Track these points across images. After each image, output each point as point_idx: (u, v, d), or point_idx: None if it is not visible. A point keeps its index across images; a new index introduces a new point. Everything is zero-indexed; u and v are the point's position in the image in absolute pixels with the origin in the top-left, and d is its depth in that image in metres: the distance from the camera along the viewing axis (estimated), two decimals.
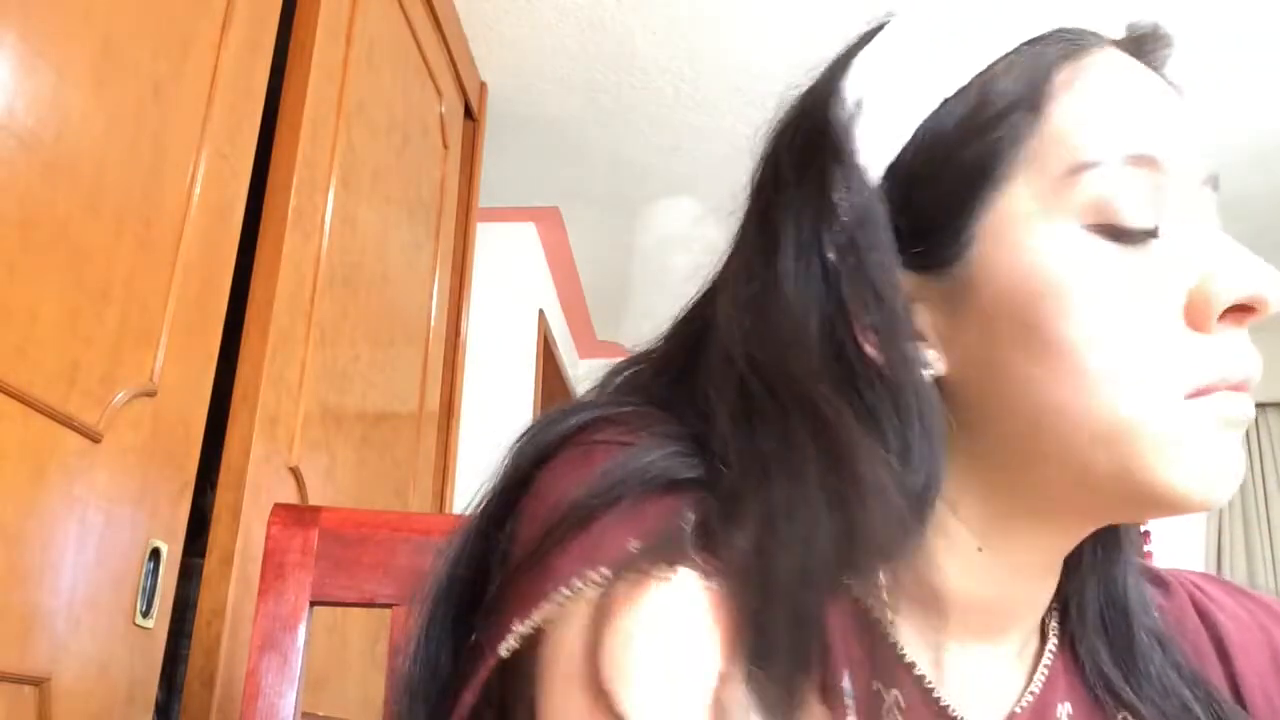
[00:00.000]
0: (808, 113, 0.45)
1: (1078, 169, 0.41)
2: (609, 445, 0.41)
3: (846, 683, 0.41)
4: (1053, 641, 0.49)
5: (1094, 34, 0.45)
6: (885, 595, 0.43)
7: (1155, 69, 0.45)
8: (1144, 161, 0.41)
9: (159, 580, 0.99)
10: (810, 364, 0.42)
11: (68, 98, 0.88)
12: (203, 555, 1.09)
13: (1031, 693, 0.47)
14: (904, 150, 0.43)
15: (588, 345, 3.53)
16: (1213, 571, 3.26)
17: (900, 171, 0.43)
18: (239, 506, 1.10)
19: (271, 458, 1.19)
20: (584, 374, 3.52)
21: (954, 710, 0.44)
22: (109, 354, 0.92)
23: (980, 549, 0.45)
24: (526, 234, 2.74)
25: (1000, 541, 0.44)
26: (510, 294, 2.72)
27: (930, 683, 0.44)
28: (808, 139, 0.45)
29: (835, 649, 0.41)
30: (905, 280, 0.43)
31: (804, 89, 0.47)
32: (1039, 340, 0.41)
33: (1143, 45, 0.46)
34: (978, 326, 0.42)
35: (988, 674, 0.46)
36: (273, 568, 0.66)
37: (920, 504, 0.41)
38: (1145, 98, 0.43)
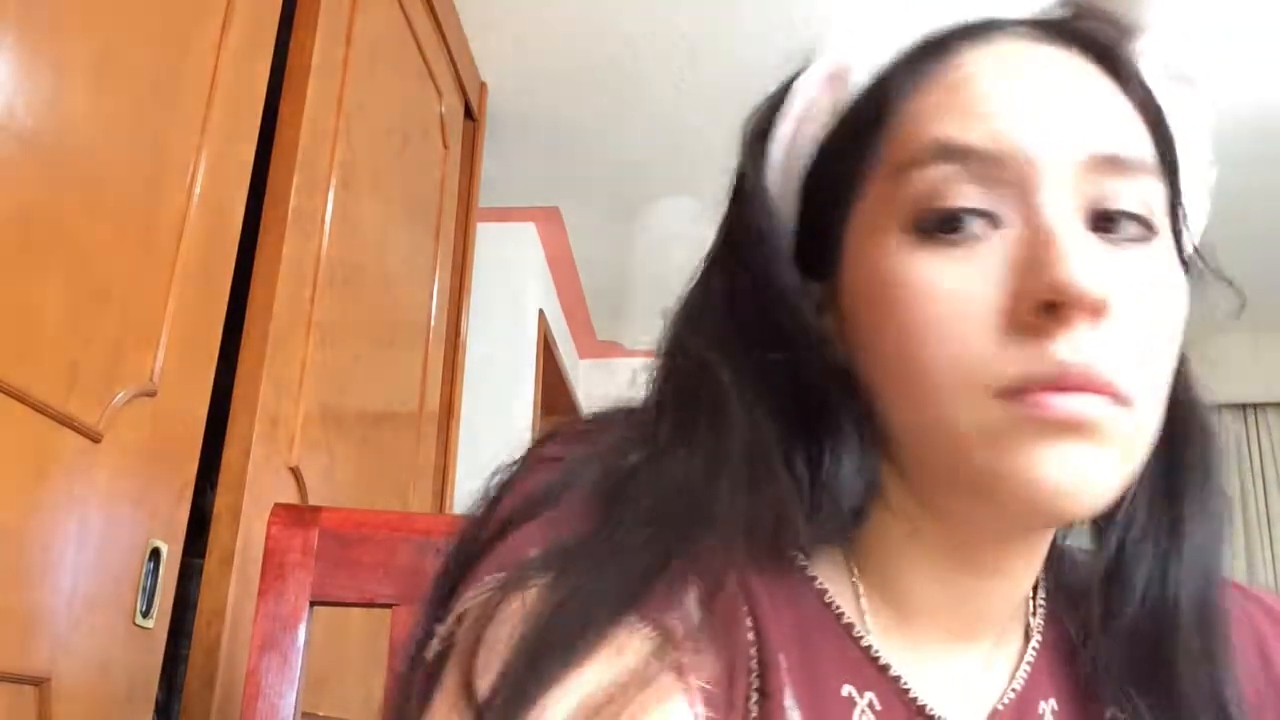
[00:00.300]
0: (737, 161, 0.49)
1: (902, 168, 0.41)
2: (548, 461, 0.43)
3: (790, 699, 0.42)
4: (1036, 638, 0.49)
5: (994, 24, 0.44)
6: (862, 598, 0.45)
7: (1087, 47, 0.44)
8: (967, 154, 0.40)
9: (159, 580, 0.99)
10: (722, 358, 0.44)
11: (68, 98, 0.88)
12: (203, 555, 1.09)
13: (1014, 689, 0.47)
14: (807, 176, 0.46)
15: (588, 345, 3.52)
16: None
17: (804, 197, 0.46)
18: (239, 506, 1.10)
19: (271, 458, 1.19)
20: (584, 374, 3.52)
21: (932, 710, 0.44)
22: (109, 354, 0.92)
23: (912, 535, 0.45)
24: (526, 234, 2.74)
25: (925, 525, 0.45)
26: (510, 294, 2.72)
27: (905, 683, 0.44)
28: (735, 171, 0.48)
29: (804, 652, 0.43)
30: (816, 289, 0.46)
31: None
32: (876, 346, 0.42)
33: (1062, 26, 0.45)
34: (852, 329, 0.44)
35: (966, 672, 0.46)
36: (273, 568, 0.66)
37: (831, 498, 0.42)
38: (992, 89, 0.41)
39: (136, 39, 0.98)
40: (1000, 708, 0.46)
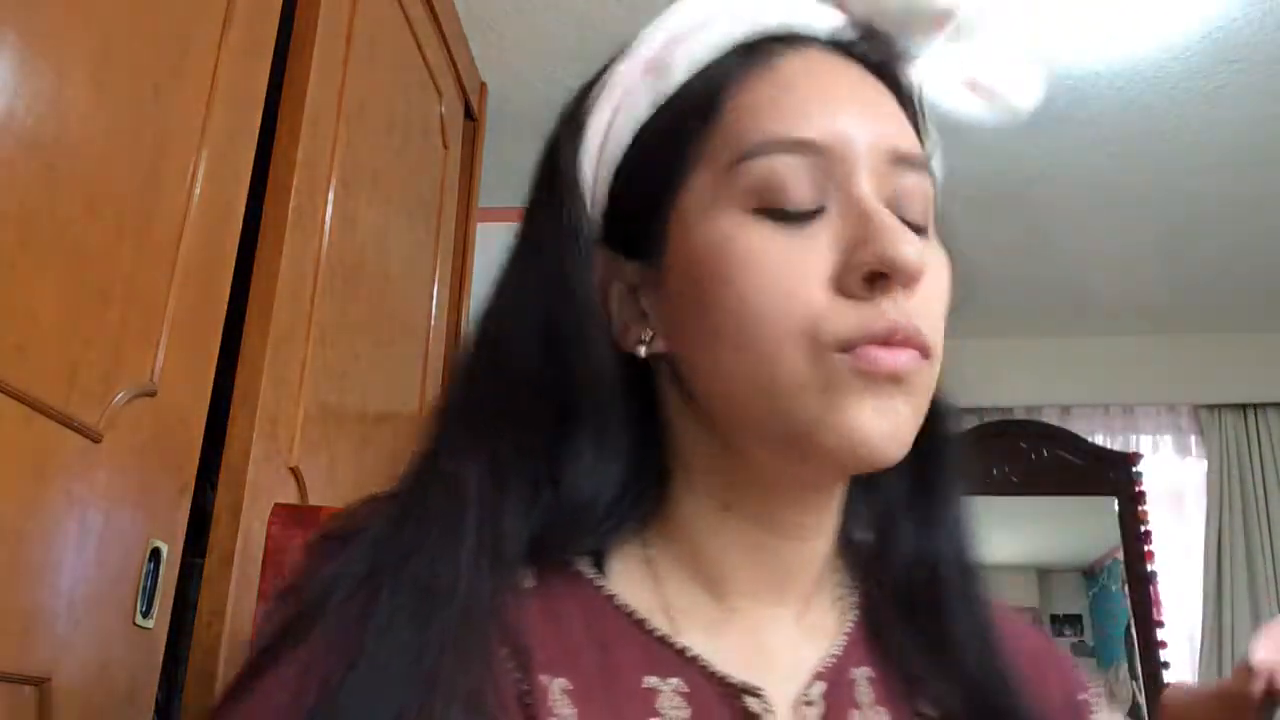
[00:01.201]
0: (548, 141, 0.52)
1: (740, 158, 0.46)
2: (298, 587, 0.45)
3: (565, 709, 0.43)
4: (854, 611, 0.53)
5: (799, 38, 0.50)
6: (662, 583, 0.48)
7: (875, 64, 0.50)
8: (799, 146, 0.45)
9: (159, 580, 0.99)
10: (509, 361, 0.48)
11: (68, 98, 0.88)
12: (203, 555, 1.09)
13: (833, 655, 0.50)
14: (623, 159, 0.50)
15: None
16: (1213, 571, 3.26)
17: (620, 178, 0.50)
18: (239, 506, 1.10)
19: (271, 458, 1.19)
20: None
21: (742, 682, 0.46)
22: (109, 354, 0.92)
23: (724, 508, 0.49)
24: None
25: (740, 501, 0.49)
26: None
27: (707, 661, 0.46)
28: (540, 161, 0.52)
29: (601, 656, 0.45)
30: (630, 271, 0.49)
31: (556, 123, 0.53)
32: (711, 315, 0.46)
33: (858, 45, 0.51)
34: (675, 307, 0.48)
35: (779, 640, 0.50)
36: (273, 568, 0.66)
37: (601, 500, 0.46)
38: (815, 90, 0.47)
39: (136, 39, 0.98)
40: (821, 671, 0.49)
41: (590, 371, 0.47)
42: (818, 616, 0.52)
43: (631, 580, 0.49)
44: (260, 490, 1.14)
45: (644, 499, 0.50)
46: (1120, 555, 3.41)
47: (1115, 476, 3.43)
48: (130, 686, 0.95)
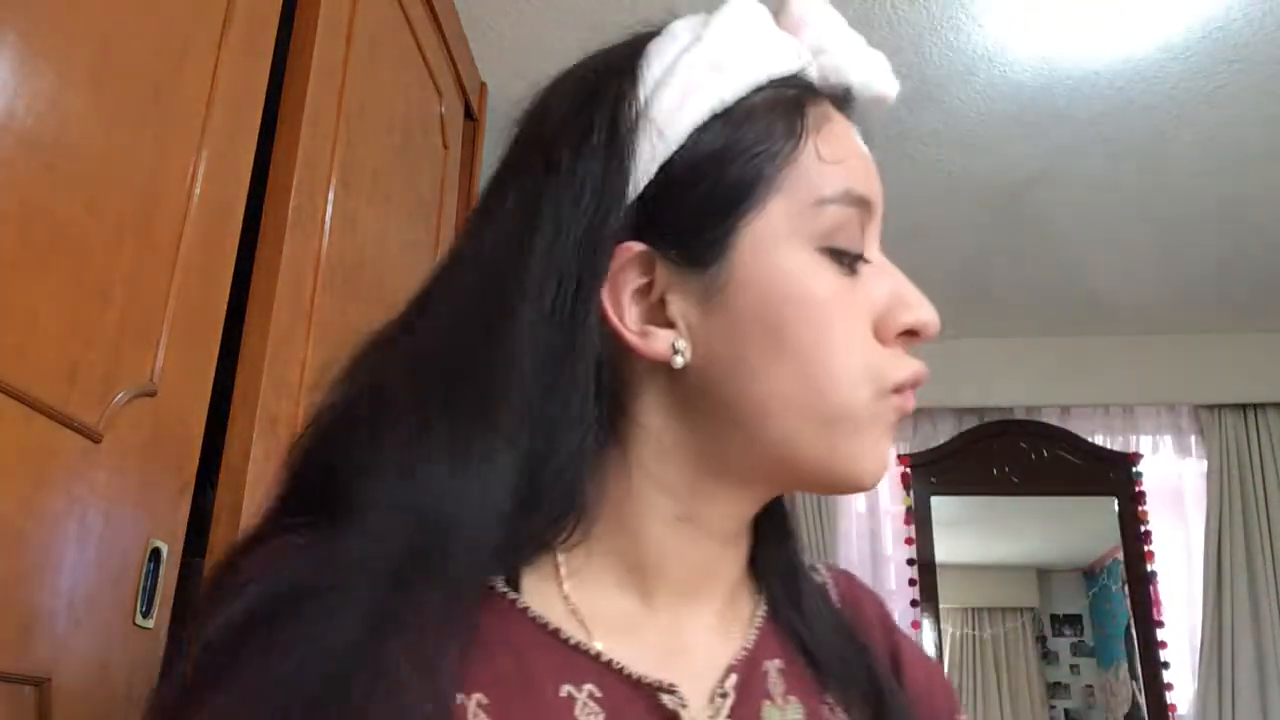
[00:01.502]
0: (593, 105, 0.50)
1: (822, 201, 0.49)
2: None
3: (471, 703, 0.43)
4: (764, 606, 0.56)
5: (815, 88, 0.53)
6: (567, 593, 0.49)
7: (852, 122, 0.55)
8: (861, 202, 0.51)
9: (159, 580, 0.99)
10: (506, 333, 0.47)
11: (68, 98, 0.88)
12: (203, 555, 1.09)
13: (745, 648, 0.53)
14: (673, 157, 0.48)
15: None
16: (1213, 572, 3.26)
17: (669, 175, 0.48)
18: (239, 506, 1.10)
19: (271, 457, 1.19)
20: None
21: (657, 681, 0.47)
22: (109, 354, 0.92)
23: (681, 517, 0.51)
24: None
25: (699, 508, 0.51)
26: None
27: (620, 663, 0.47)
28: (585, 124, 0.49)
29: (519, 673, 0.45)
30: (668, 274, 0.49)
31: (581, 82, 0.52)
32: (779, 339, 0.48)
33: (844, 102, 0.55)
34: (728, 322, 0.48)
35: (699, 636, 0.52)
36: None
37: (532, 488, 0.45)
38: (858, 149, 0.53)
39: (136, 39, 0.98)
40: (734, 663, 0.51)
41: (572, 362, 0.46)
42: (736, 612, 0.55)
43: (546, 587, 0.49)
44: (260, 490, 1.14)
45: (573, 498, 0.49)
46: (1120, 555, 3.42)
47: (1115, 476, 3.43)
48: (130, 686, 0.95)
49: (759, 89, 0.50)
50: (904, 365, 0.51)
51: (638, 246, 0.48)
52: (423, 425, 0.44)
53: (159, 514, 1.00)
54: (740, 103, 0.49)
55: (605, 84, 0.50)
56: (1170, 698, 3.22)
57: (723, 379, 0.49)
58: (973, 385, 3.53)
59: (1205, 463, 3.40)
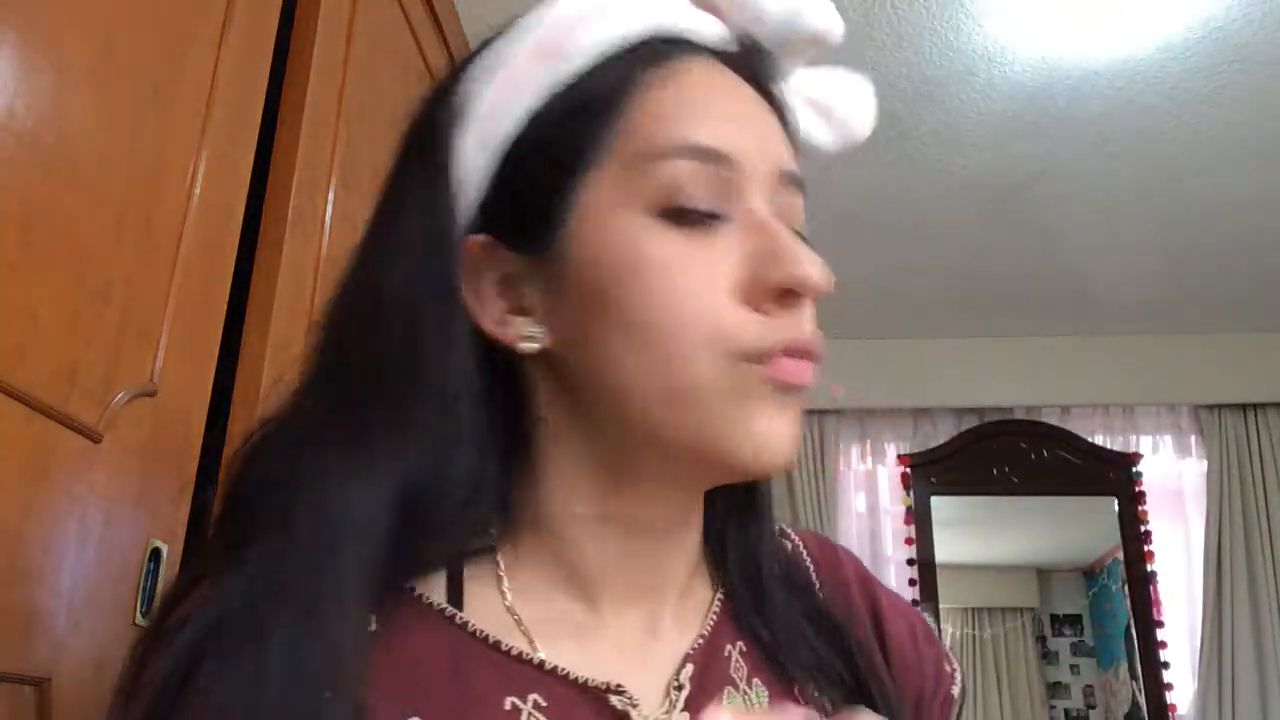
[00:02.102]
0: (415, 114, 0.52)
1: (648, 159, 0.46)
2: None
3: None
4: (721, 591, 0.55)
5: (691, 44, 0.50)
6: (510, 603, 0.48)
7: (754, 79, 0.51)
8: (708, 154, 0.46)
9: (159, 580, 0.99)
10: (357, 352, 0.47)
11: (68, 98, 0.88)
12: (203, 555, 1.09)
13: (702, 636, 0.51)
14: (513, 143, 0.48)
15: None
16: (1213, 572, 3.26)
17: (509, 163, 0.48)
18: None
19: None
20: None
21: (603, 683, 0.47)
22: (109, 354, 0.92)
23: (602, 519, 0.49)
24: None
25: (613, 507, 0.49)
26: None
27: (564, 670, 0.46)
28: (409, 137, 0.51)
29: (455, 688, 0.44)
30: (514, 261, 0.48)
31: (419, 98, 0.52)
32: (615, 315, 0.45)
33: (741, 58, 0.51)
34: (571, 303, 0.47)
35: (651, 634, 0.51)
36: None
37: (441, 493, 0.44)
38: (719, 101, 0.48)
39: (136, 39, 0.98)
40: (690, 652, 0.50)
41: (445, 363, 0.45)
42: (692, 604, 0.53)
43: (487, 598, 0.48)
44: None
45: (505, 505, 0.49)
46: (1120, 555, 3.42)
47: (1115, 476, 3.43)
48: None
49: (606, 60, 0.48)
50: (771, 329, 0.45)
51: (480, 239, 0.48)
52: (316, 448, 0.45)
53: (159, 514, 1.00)
54: (578, 80, 0.48)
55: (429, 93, 0.52)
56: (1170, 698, 3.22)
57: (580, 363, 0.47)
58: (973, 385, 3.53)
59: (1205, 463, 3.40)
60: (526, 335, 0.48)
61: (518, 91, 0.48)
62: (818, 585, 0.58)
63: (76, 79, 0.89)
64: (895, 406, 3.57)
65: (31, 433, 0.83)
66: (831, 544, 0.62)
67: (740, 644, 0.52)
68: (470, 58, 0.52)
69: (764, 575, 0.55)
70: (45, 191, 0.85)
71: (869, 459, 3.58)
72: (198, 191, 1.07)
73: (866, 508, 3.54)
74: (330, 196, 1.38)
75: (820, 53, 0.54)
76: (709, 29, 0.51)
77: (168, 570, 1.01)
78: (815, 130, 0.55)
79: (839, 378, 3.53)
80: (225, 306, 1.13)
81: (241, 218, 1.17)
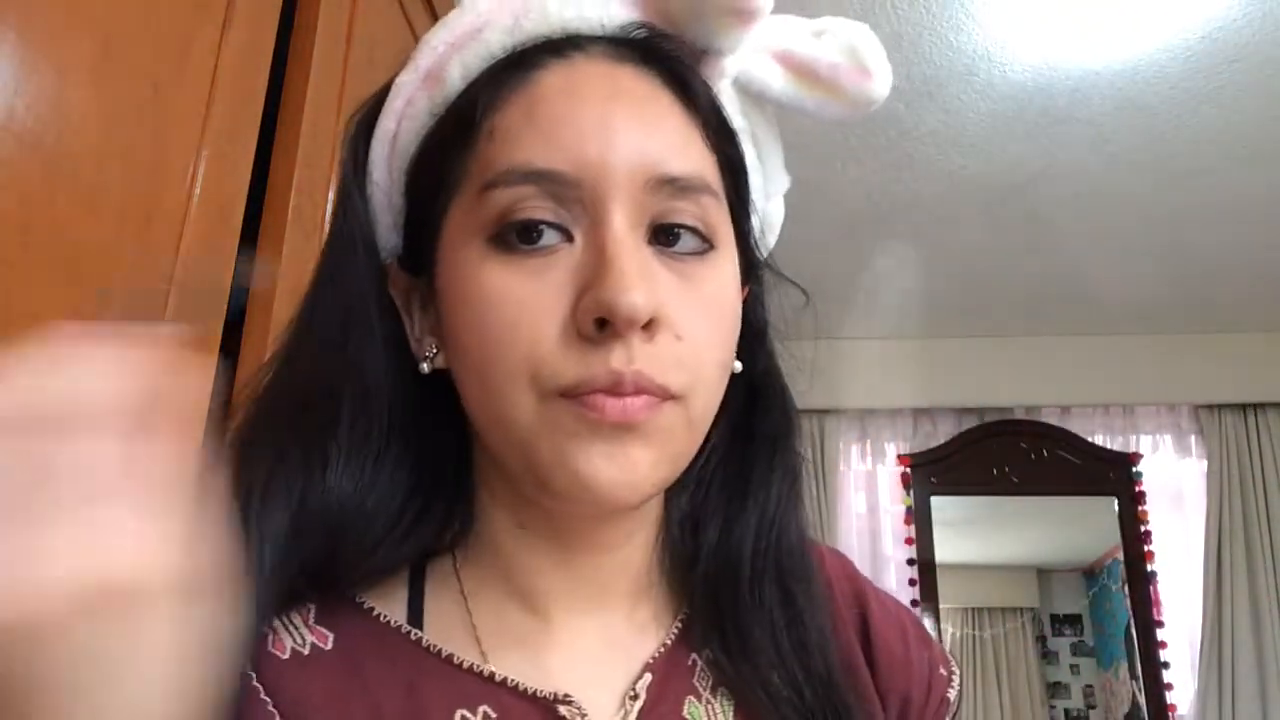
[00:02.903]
0: (342, 147, 0.52)
1: (485, 188, 0.44)
2: None
3: None
4: (685, 602, 0.53)
5: (582, 38, 0.47)
6: (470, 611, 0.48)
7: (664, 66, 0.47)
8: (540, 177, 0.43)
9: None
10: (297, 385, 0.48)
11: (68, 98, 0.88)
12: None
13: (664, 644, 0.51)
14: (408, 171, 0.49)
15: None
16: (1213, 572, 3.26)
17: (407, 191, 0.49)
18: None
19: None
20: None
21: (551, 693, 0.46)
22: None
23: (520, 526, 0.49)
24: None
25: (532, 519, 0.49)
26: None
27: (514, 681, 0.47)
28: (341, 167, 0.51)
29: (408, 702, 0.45)
30: (415, 285, 0.49)
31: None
32: (456, 344, 0.46)
33: (645, 44, 0.48)
34: (444, 330, 0.47)
35: (606, 644, 0.50)
36: None
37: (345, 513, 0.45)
38: (570, 113, 0.44)
39: (136, 39, 0.98)
40: (649, 661, 0.50)
41: (366, 383, 0.47)
42: (649, 614, 0.52)
43: (446, 611, 0.49)
44: None
45: (451, 519, 0.50)
46: (1120, 555, 3.42)
47: (1115, 476, 3.43)
48: None
49: (475, 81, 0.47)
50: (587, 364, 0.42)
51: (392, 264, 0.50)
52: (268, 469, 0.46)
53: None
54: (449, 105, 0.48)
55: (349, 125, 0.52)
56: (1170, 698, 3.22)
57: (459, 386, 0.47)
58: (973, 385, 3.53)
59: (1205, 463, 3.40)
60: (427, 355, 0.48)
61: (410, 118, 0.49)
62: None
63: (76, 79, 0.89)
64: (895, 406, 3.57)
65: None
66: (818, 547, 0.60)
67: (707, 652, 0.51)
68: (385, 86, 0.51)
69: (741, 577, 0.52)
70: (45, 191, 0.85)
71: (869, 459, 3.58)
72: (198, 191, 1.07)
73: (866, 508, 3.54)
74: (330, 196, 1.38)
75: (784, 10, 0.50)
76: (605, 16, 0.48)
77: None
78: (799, 95, 0.51)
79: (839, 377, 3.54)
80: (225, 306, 1.14)
81: (241, 218, 1.17)
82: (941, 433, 3.56)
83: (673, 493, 0.53)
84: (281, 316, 1.22)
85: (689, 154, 0.46)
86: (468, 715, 0.45)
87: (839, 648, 0.53)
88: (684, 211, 0.45)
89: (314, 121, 1.33)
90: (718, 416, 0.48)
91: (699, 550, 0.53)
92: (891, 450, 3.58)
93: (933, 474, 3.50)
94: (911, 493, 3.48)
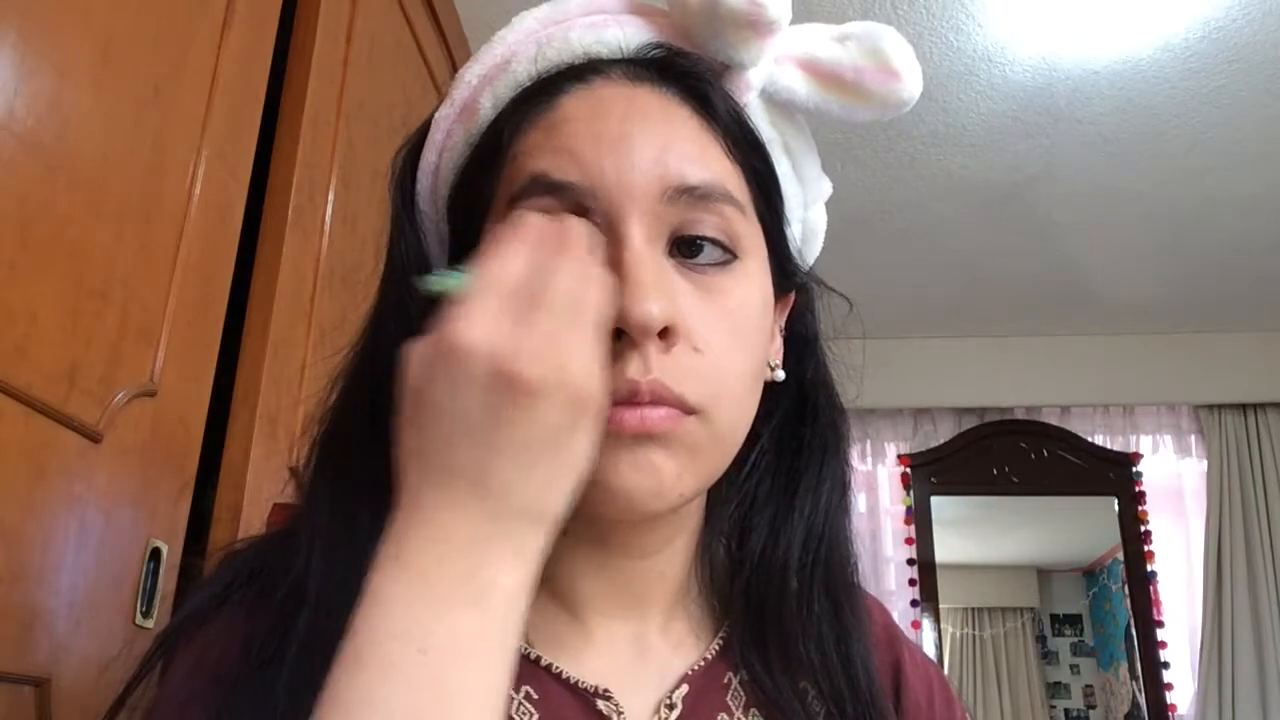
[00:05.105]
0: (391, 178, 0.54)
1: (510, 202, 0.46)
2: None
3: None
4: (728, 617, 0.54)
5: (603, 62, 0.49)
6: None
7: (682, 83, 0.48)
8: (556, 189, 0.45)
9: (159, 580, 0.99)
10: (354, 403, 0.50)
11: (68, 98, 0.88)
12: (203, 555, 1.09)
13: (704, 659, 0.51)
14: (448, 199, 0.51)
15: None
16: (1213, 572, 3.26)
17: (449, 217, 0.51)
18: (239, 506, 1.10)
19: (271, 458, 1.19)
20: None
21: (592, 686, 0.48)
22: (109, 354, 0.92)
23: (563, 533, 0.48)
24: None
25: (574, 525, 0.48)
26: None
27: (558, 668, 0.48)
28: (391, 196, 0.53)
29: None
30: None
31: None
32: None
33: (664, 63, 0.49)
34: None
35: (642, 653, 0.51)
36: None
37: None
38: (587, 129, 0.46)
39: (136, 39, 0.98)
40: (687, 673, 0.50)
41: None
42: (688, 625, 0.53)
43: None
44: (260, 490, 1.14)
45: None
46: (1120, 555, 3.42)
47: (1115, 476, 3.43)
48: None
49: (504, 110, 0.49)
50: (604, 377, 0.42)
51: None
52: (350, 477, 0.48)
53: (159, 514, 1.00)
54: (482, 135, 0.50)
55: (397, 157, 0.55)
56: (1170, 698, 3.22)
57: None
58: (973, 385, 3.53)
59: (1205, 463, 3.40)
60: None
61: (449, 151, 0.51)
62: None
63: (76, 79, 0.89)
64: (895, 406, 3.57)
65: (31, 432, 0.83)
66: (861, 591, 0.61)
67: (743, 673, 0.52)
68: (426, 121, 0.54)
69: (789, 595, 0.52)
70: (45, 191, 0.85)
71: (869, 459, 3.58)
72: (198, 191, 1.07)
73: (866, 508, 3.54)
74: (330, 196, 1.38)
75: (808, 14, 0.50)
76: (623, 40, 0.49)
77: (168, 570, 1.01)
78: (825, 101, 0.51)
79: (839, 377, 3.52)
80: (225, 306, 1.14)
81: (241, 218, 1.17)
82: (941, 433, 3.56)
83: (715, 505, 0.54)
84: (282, 317, 1.22)
85: (707, 164, 0.47)
86: (510, 692, 0.46)
87: (878, 684, 0.54)
88: (704, 222, 0.46)
89: (314, 121, 1.33)
90: (762, 426, 0.49)
91: (743, 561, 0.53)
92: (891, 450, 3.58)
93: (933, 474, 3.50)
94: (911, 493, 3.48)
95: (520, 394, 0.36)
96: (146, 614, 0.97)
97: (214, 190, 1.10)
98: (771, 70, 0.50)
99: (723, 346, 0.45)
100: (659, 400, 0.43)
